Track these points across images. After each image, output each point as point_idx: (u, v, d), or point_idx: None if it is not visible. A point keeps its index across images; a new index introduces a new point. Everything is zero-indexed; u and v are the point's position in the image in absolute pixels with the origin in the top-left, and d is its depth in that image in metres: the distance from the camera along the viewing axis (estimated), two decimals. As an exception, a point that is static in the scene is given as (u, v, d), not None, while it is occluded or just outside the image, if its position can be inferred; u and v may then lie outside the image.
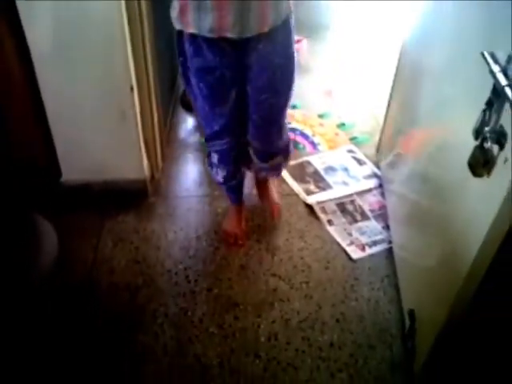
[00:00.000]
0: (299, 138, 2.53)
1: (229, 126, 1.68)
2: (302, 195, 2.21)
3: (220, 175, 1.85)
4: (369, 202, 2.20)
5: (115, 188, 2.09)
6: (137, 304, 1.77)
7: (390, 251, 1.99)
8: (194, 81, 1.58)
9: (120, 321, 1.71)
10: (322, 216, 2.12)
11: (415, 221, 1.83)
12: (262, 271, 1.89)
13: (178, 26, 1.48)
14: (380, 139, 2.43)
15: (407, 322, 1.68)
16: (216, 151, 1.79)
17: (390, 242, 2.02)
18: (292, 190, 2.23)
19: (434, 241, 1.58)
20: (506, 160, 1.10)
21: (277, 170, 2.00)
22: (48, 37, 1.70)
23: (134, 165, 2.07)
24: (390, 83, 2.27)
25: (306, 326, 1.74)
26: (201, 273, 1.89)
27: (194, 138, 2.51)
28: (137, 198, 2.13)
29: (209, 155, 1.84)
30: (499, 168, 1.13)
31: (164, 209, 2.13)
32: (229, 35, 1.41)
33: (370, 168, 2.37)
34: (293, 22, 1.54)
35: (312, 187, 2.25)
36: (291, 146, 1.95)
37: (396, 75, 2.24)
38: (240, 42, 1.44)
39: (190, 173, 2.33)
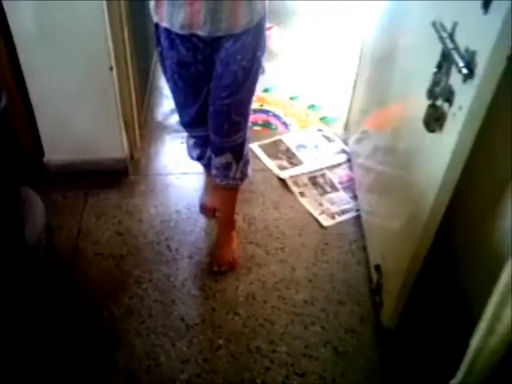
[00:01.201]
0: (272, 119, 2.66)
1: (199, 118, 1.71)
2: (276, 170, 2.34)
3: (194, 153, 1.92)
4: (338, 176, 2.34)
5: (97, 167, 2.19)
6: (122, 271, 1.87)
7: (357, 219, 2.14)
8: (169, 72, 1.62)
9: (105, 286, 1.82)
10: (295, 188, 2.26)
11: (380, 188, 1.98)
12: (239, 239, 2.00)
13: (154, 18, 1.50)
14: (347, 118, 2.57)
15: (374, 280, 1.83)
16: (190, 136, 1.87)
17: (357, 211, 2.17)
18: (265, 166, 2.36)
19: (397, 202, 1.73)
20: (453, 114, 1.24)
21: (226, 173, 1.75)
22: (30, 19, 1.78)
23: (114, 144, 2.16)
24: (356, 66, 2.41)
25: (281, 286, 1.87)
26: (182, 243, 2.00)
27: (171, 121, 2.61)
28: (118, 176, 2.22)
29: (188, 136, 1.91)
30: (449, 122, 1.27)
31: (144, 186, 2.23)
32: (199, 33, 1.43)
33: (338, 145, 2.51)
34: (265, 23, 1.53)
35: (285, 163, 2.39)
36: (246, 154, 1.77)
37: (360, 58, 2.39)
38: (211, 39, 1.46)
39: (167, 152, 2.42)
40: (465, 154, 1.27)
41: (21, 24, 1.79)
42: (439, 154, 1.33)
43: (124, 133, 2.16)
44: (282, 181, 2.29)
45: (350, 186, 2.29)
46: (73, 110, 2.03)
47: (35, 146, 2.08)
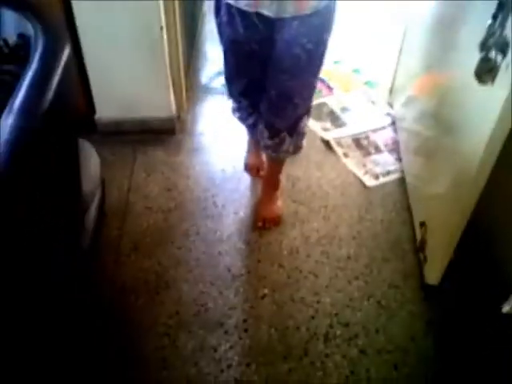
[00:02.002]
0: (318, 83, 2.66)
1: (246, 92, 1.71)
2: (320, 132, 2.35)
3: (236, 114, 1.91)
4: (382, 138, 2.34)
5: (145, 125, 2.25)
6: (170, 224, 1.94)
7: (402, 180, 2.14)
8: (223, 47, 1.60)
9: (154, 236, 1.89)
10: (338, 150, 2.27)
11: (426, 150, 1.97)
12: (283, 198, 2.03)
13: None
14: (393, 82, 2.55)
15: (418, 237, 1.84)
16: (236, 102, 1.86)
17: (402, 172, 2.17)
18: (310, 128, 2.37)
19: (443, 162, 1.73)
20: (507, 66, 1.23)
21: (279, 147, 1.74)
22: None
23: (162, 103, 2.21)
24: (402, 29, 2.38)
25: (324, 242, 1.90)
26: (227, 199, 2.04)
27: (215, 84, 2.64)
28: (165, 134, 2.28)
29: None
30: (502, 74, 1.26)
31: (190, 144, 2.28)
32: (265, 12, 1.37)
33: (383, 108, 2.50)
34: (336, 5, 1.46)
35: (328, 125, 2.40)
36: (303, 127, 1.72)
37: (407, 21, 2.36)
38: (274, 19, 1.40)
39: (212, 113, 2.46)
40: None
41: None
42: (489, 109, 1.32)
43: (172, 93, 2.21)
44: (326, 142, 2.31)
45: (395, 149, 2.28)
46: (124, 69, 2.09)
47: (87, 104, 2.15)
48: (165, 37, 2.02)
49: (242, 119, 1.92)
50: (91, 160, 1.72)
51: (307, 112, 1.69)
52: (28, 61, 1.18)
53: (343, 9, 3.17)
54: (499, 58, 1.25)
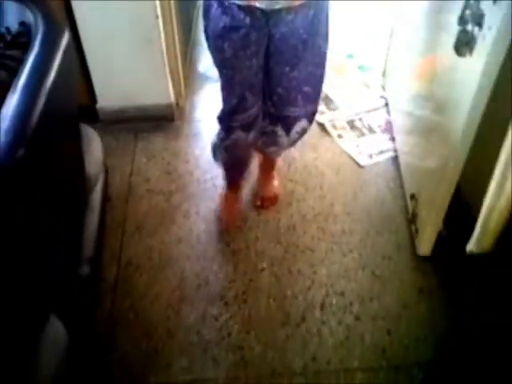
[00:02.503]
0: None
1: (248, 97, 1.60)
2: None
3: (224, 157, 1.81)
4: (376, 119, 2.41)
5: (145, 113, 2.33)
6: (171, 205, 2.02)
7: (395, 159, 2.21)
8: (218, 44, 1.50)
9: (156, 217, 1.97)
10: (333, 131, 2.34)
11: (417, 129, 2.04)
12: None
13: None
14: (385, 65, 2.62)
15: (410, 210, 1.91)
16: (228, 128, 1.70)
17: (395, 151, 2.23)
18: (305, 111, 2.44)
19: (432, 139, 1.80)
20: (483, 37, 1.30)
21: (298, 139, 1.82)
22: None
23: (161, 91, 2.29)
24: (392, 16, 2.46)
25: (320, 218, 1.98)
26: (226, 181, 2.12)
27: (212, 73, 2.71)
28: (164, 121, 2.36)
29: (219, 137, 1.78)
30: (479, 45, 1.33)
31: (189, 130, 2.36)
32: (257, 5, 1.38)
33: (376, 91, 2.57)
34: None
35: (323, 108, 2.46)
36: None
37: (397, 10, 2.43)
38: (269, 11, 1.40)
39: (209, 100, 2.53)
40: (493, 76, 1.33)
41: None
42: (470, 80, 1.39)
43: (170, 81, 2.29)
44: (321, 125, 2.37)
45: (388, 129, 2.35)
46: (122, 59, 2.16)
47: (89, 94, 2.23)
48: (161, 26, 2.09)
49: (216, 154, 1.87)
50: (94, 144, 1.81)
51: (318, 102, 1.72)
52: (30, 46, 1.26)
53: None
54: (476, 30, 1.32)
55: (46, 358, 1.21)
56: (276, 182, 2.06)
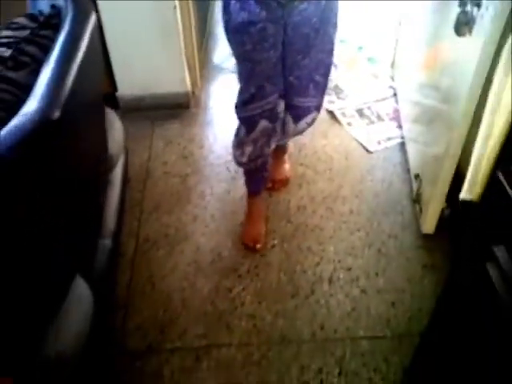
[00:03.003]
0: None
1: (266, 86, 1.64)
2: (325, 104, 2.50)
3: (246, 152, 1.78)
4: (384, 108, 2.49)
5: (162, 100, 2.43)
6: (187, 186, 2.12)
7: (402, 145, 2.29)
8: (237, 38, 1.58)
9: (173, 197, 2.07)
10: (342, 119, 2.43)
11: (423, 115, 2.12)
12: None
13: None
14: (394, 57, 2.70)
15: (415, 190, 1.99)
16: (246, 119, 1.73)
17: (402, 138, 2.32)
18: (315, 100, 2.53)
19: (437, 120, 1.88)
20: (481, 16, 1.38)
21: (308, 127, 1.90)
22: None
23: (177, 80, 2.39)
24: (399, 10, 2.54)
25: (329, 200, 2.06)
26: (239, 165, 2.22)
27: (227, 64, 2.82)
28: (180, 109, 2.47)
29: (236, 130, 1.81)
30: (478, 25, 1.41)
31: (204, 118, 2.46)
32: None
33: (385, 81, 2.65)
34: None
35: (333, 98, 2.55)
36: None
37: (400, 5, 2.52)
38: (285, 2, 1.46)
39: (224, 90, 2.63)
40: (491, 55, 1.40)
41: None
42: (470, 60, 1.47)
43: (186, 70, 2.39)
44: (331, 113, 2.46)
45: (396, 117, 2.43)
46: (142, 48, 2.27)
47: (110, 82, 2.34)
48: (178, 17, 2.20)
49: (238, 156, 1.84)
50: (115, 126, 1.90)
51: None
52: (60, 27, 1.36)
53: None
54: (475, 10, 1.40)
55: (72, 313, 1.31)
56: (287, 166, 2.15)
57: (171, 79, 2.39)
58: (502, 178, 0.80)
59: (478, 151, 0.84)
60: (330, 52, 1.68)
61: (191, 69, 2.44)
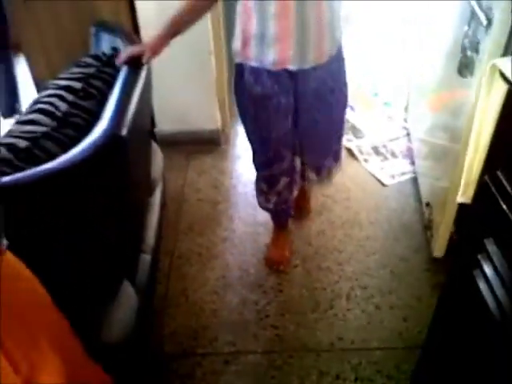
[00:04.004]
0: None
1: (282, 150, 1.74)
2: (343, 142, 2.73)
3: (270, 201, 1.93)
4: (398, 146, 2.71)
5: (195, 136, 2.69)
6: (217, 211, 2.34)
7: (414, 179, 2.49)
8: (251, 110, 1.65)
9: (204, 221, 2.28)
10: (359, 155, 2.65)
11: (433, 152, 2.33)
12: (312, 193, 2.40)
13: (238, 59, 1.59)
14: (407, 101, 2.94)
15: (426, 217, 2.17)
16: (266, 178, 1.87)
17: (414, 173, 2.52)
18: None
19: (446, 160, 2.08)
20: (480, 61, 1.61)
21: (329, 176, 1.97)
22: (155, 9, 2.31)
23: (210, 118, 2.66)
24: (410, 60, 2.80)
25: (347, 226, 2.25)
26: (264, 195, 2.43)
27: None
28: (212, 144, 2.72)
29: (257, 183, 1.94)
30: (477, 68, 1.64)
31: (233, 153, 2.71)
32: (290, 67, 1.51)
33: (399, 122, 2.89)
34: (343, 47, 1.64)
35: (351, 137, 2.78)
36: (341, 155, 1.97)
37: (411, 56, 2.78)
38: (297, 71, 1.53)
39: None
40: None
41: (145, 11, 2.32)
42: (470, 98, 1.68)
43: (218, 110, 2.65)
44: (349, 150, 2.69)
45: (409, 155, 2.64)
46: (179, 88, 2.54)
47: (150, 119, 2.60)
48: (213, 60, 2.47)
49: (262, 202, 1.99)
50: (156, 155, 2.15)
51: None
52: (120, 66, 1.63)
53: (362, 44, 3.65)
54: (474, 55, 1.63)
55: (122, 309, 1.50)
56: (310, 199, 2.32)
57: (204, 117, 2.66)
58: (489, 181, 0.99)
59: (469, 162, 1.03)
60: (345, 107, 1.76)
61: (222, 108, 2.70)
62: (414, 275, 2.03)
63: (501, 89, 0.97)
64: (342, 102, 1.72)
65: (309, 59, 1.50)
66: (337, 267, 2.07)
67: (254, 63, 1.53)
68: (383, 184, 2.48)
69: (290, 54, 1.48)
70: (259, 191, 1.95)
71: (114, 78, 1.59)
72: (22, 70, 2.54)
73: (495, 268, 1.03)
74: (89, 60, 1.67)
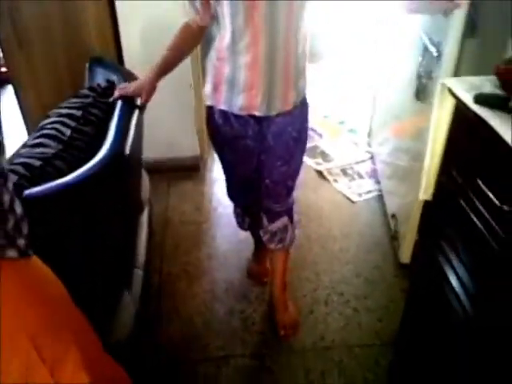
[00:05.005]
0: (310, 132, 3.30)
1: (247, 190, 1.87)
2: (314, 165, 2.96)
3: (245, 224, 2.09)
4: (363, 168, 2.95)
5: (176, 162, 2.86)
6: (201, 231, 2.49)
7: (380, 196, 2.71)
8: (220, 149, 1.78)
9: (189, 240, 2.43)
10: (329, 177, 2.87)
11: (396, 171, 2.56)
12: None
13: (209, 102, 1.65)
14: (370, 128, 3.21)
15: (392, 229, 2.39)
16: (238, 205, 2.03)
17: (379, 191, 2.75)
18: (305, 163, 2.98)
19: (408, 169, 2.31)
20: (433, 86, 1.85)
21: (283, 236, 1.91)
22: (138, 44, 2.51)
23: (190, 146, 2.84)
24: (373, 92, 3.08)
25: (322, 239, 2.44)
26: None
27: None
28: (191, 170, 2.90)
29: (234, 206, 2.08)
30: (431, 93, 1.88)
31: (211, 178, 2.89)
32: (256, 113, 1.58)
33: (363, 147, 3.14)
34: (307, 98, 1.71)
35: (320, 161, 3.01)
36: (294, 217, 1.94)
37: (374, 85, 3.06)
38: (263, 117, 1.61)
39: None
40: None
41: (130, 46, 2.51)
42: (429, 121, 1.92)
43: (197, 139, 2.84)
44: (319, 172, 2.91)
45: (374, 175, 2.88)
46: (162, 119, 2.71)
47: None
48: (192, 93, 2.67)
49: (249, 226, 2.11)
50: (144, 179, 2.31)
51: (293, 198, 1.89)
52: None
53: (328, 78, 3.93)
54: (428, 82, 1.88)
55: (123, 314, 1.63)
56: (292, 306, 2.07)
57: (184, 145, 2.83)
58: (444, 180, 1.20)
59: (428, 163, 1.24)
60: (303, 155, 1.80)
61: (201, 137, 2.89)
62: (385, 281, 2.22)
63: (450, 103, 1.18)
64: (300, 148, 1.76)
65: (274, 107, 1.58)
66: (314, 277, 2.24)
67: (223, 107, 1.61)
68: (352, 201, 2.69)
69: (257, 102, 1.55)
70: (235, 214, 2.11)
71: (109, 106, 1.76)
72: (8, 102, 2.68)
73: (455, 249, 1.22)
74: (86, 92, 1.83)
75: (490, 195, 1.00)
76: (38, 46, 2.43)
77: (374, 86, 3.10)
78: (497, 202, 0.98)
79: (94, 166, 1.38)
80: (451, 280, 1.22)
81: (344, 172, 2.91)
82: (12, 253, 0.99)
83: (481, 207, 1.06)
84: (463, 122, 1.11)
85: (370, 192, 2.76)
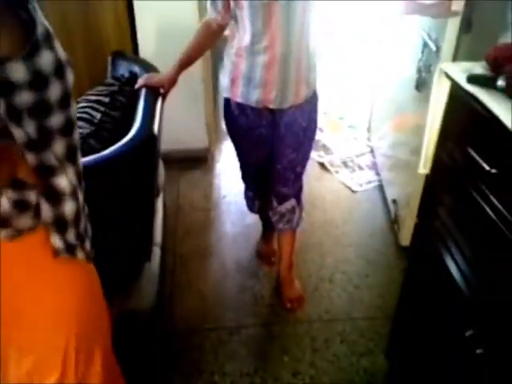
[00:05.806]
0: (310, 127, 3.47)
1: (259, 175, 2.03)
2: (316, 158, 3.12)
3: (255, 207, 2.21)
4: (363, 160, 3.11)
5: (186, 154, 3.01)
6: (209, 218, 2.64)
7: (380, 186, 2.87)
8: (236, 138, 1.92)
9: (198, 224, 2.58)
10: (331, 168, 3.03)
11: (394, 163, 2.73)
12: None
13: (226, 94, 1.81)
14: (369, 123, 3.37)
15: (392, 213, 2.54)
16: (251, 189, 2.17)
17: (379, 181, 2.91)
18: (308, 155, 3.14)
19: (407, 159, 2.48)
20: (432, 78, 2.02)
21: (291, 217, 2.05)
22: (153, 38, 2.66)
23: (199, 138, 2.99)
24: (372, 88, 3.26)
25: (325, 225, 2.60)
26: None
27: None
28: (200, 161, 3.05)
29: (245, 189, 2.21)
30: (430, 84, 2.04)
31: (219, 168, 3.05)
32: (271, 106, 1.75)
33: (363, 140, 3.30)
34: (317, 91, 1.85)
35: (322, 153, 3.17)
36: (302, 199, 2.09)
37: (374, 83, 3.24)
38: (278, 110, 1.77)
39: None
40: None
41: (146, 42, 2.67)
42: (426, 111, 2.08)
43: (206, 131, 2.99)
44: (322, 164, 3.07)
45: (374, 167, 3.04)
46: (173, 112, 2.85)
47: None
48: (203, 87, 2.83)
49: (259, 210, 2.24)
50: (160, 165, 2.45)
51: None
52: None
53: (330, 76, 4.10)
54: (427, 75, 2.04)
55: (147, 282, 1.77)
56: (297, 283, 2.22)
57: (194, 138, 2.99)
58: (442, 154, 1.36)
59: (428, 139, 1.39)
60: (312, 145, 1.96)
61: (209, 130, 3.04)
62: (386, 262, 2.38)
63: (446, 85, 1.34)
64: (308, 137, 1.90)
65: (287, 101, 1.74)
66: (318, 258, 2.39)
67: (239, 100, 1.77)
68: (353, 191, 2.85)
69: (271, 96, 1.72)
70: (246, 197, 2.25)
71: (133, 94, 1.91)
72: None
73: (451, 213, 1.37)
74: (111, 80, 1.99)
75: (480, 161, 1.15)
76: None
77: (375, 84, 3.26)
78: (486, 166, 1.14)
79: (128, 142, 1.52)
80: (451, 248, 1.37)
81: (345, 164, 3.07)
82: (81, 254, 1.02)
83: (474, 174, 1.21)
84: (457, 100, 1.27)
85: (370, 182, 2.92)
